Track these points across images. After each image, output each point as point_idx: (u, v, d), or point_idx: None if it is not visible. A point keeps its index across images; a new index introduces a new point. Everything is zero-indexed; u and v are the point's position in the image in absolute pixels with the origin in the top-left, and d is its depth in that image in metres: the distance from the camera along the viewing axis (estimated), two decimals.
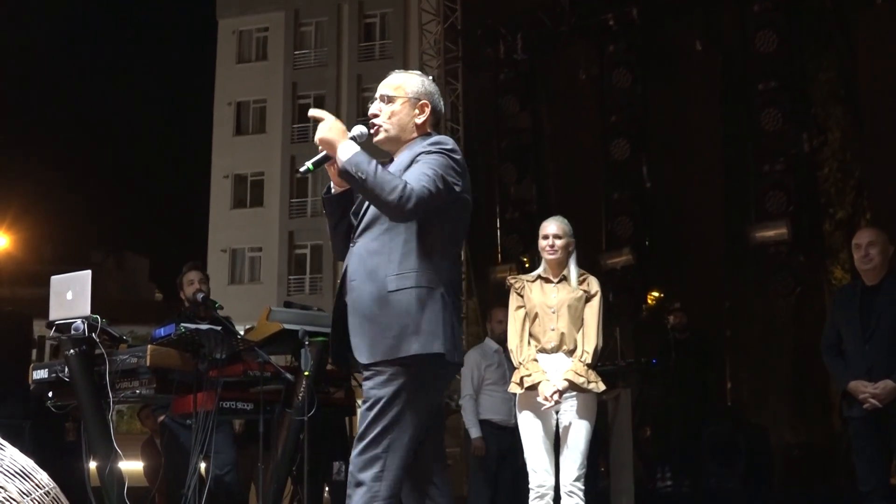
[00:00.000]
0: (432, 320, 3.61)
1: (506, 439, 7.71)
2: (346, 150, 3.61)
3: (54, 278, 6.19)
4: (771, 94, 11.22)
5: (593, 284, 5.48)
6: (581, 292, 5.43)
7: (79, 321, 5.88)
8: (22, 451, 2.28)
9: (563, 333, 5.37)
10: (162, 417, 7.51)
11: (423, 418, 3.67)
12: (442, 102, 3.99)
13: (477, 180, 15.19)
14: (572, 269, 5.51)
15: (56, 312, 6.06)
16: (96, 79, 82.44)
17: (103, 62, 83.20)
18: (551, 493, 5.37)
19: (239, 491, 7.57)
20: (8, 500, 2.05)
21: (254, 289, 32.10)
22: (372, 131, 3.84)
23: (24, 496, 2.09)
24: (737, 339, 12.00)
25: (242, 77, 33.73)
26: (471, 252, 15.06)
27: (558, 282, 5.48)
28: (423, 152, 3.71)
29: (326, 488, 8.16)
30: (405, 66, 30.86)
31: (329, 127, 3.68)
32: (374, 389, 3.63)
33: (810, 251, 11.29)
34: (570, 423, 5.34)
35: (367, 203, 3.77)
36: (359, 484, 3.58)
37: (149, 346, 5.91)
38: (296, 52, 33.70)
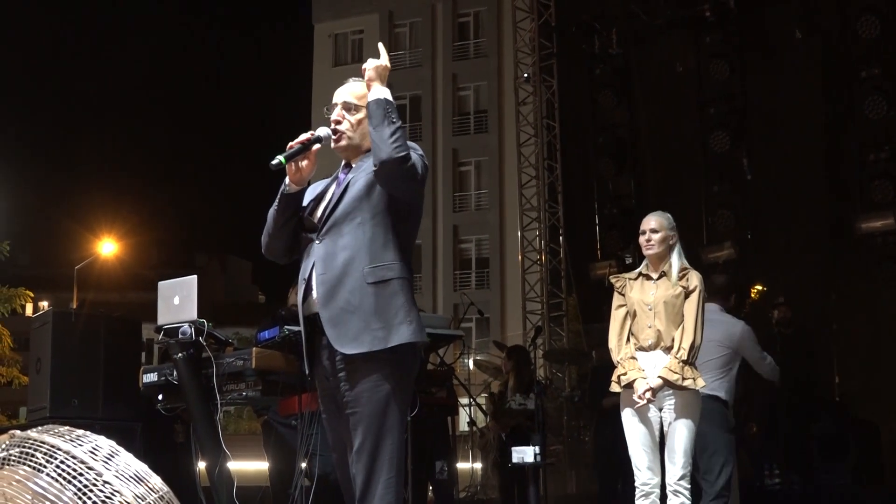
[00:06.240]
0: (411, 311, 3.74)
1: None
2: (386, 92, 3.83)
3: (162, 284, 6.32)
4: (874, 80, 10.97)
5: (693, 279, 5.38)
6: (680, 288, 5.35)
7: (186, 325, 6.00)
8: (134, 453, 2.35)
9: (659, 331, 5.31)
10: (265, 417, 7.63)
11: (408, 409, 3.81)
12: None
13: (574, 176, 15.20)
14: (674, 264, 5.41)
15: (164, 317, 6.19)
16: (196, 88, 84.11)
17: (203, 71, 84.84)
18: (657, 491, 5.31)
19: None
20: None
21: None
22: (334, 137, 3.91)
23: (140, 500, 2.15)
24: (844, 333, 11.73)
25: (339, 80, 33.33)
26: (570, 249, 15.00)
27: (658, 278, 5.42)
28: None
29: (430, 487, 8.21)
30: (500, 65, 30.91)
31: (385, 65, 3.94)
32: (361, 387, 3.67)
33: None
34: (672, 422, 5.28)
35: (326, 200, 3.87)
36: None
37: (254, 348, 5.99)
38: (391, 54, 33.84)
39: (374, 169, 3.74)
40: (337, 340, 3.70)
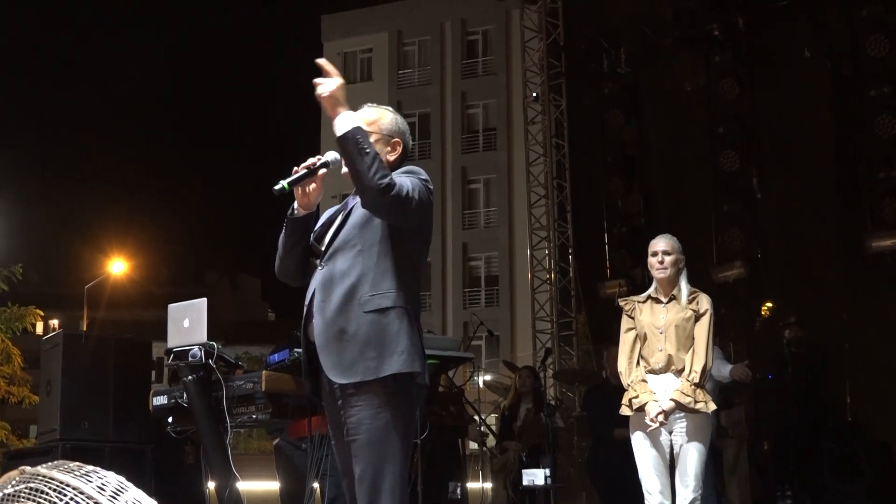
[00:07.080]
0: (409, 340, 3.64)
1: None
2: (352, 119, 3.62)
3: (171, 306, 6.34)
4: (883, 99, 10.95)
5: (703, 302, 5.39)
6: (690, 312, 5.35)
7: (196, 348, 6.02)
8: (144, 475, 2.35)
9: (670, 354, 5.30)
10: (276, 441, 7.63)
11: (411, 437, 3.73)
12: (410, 141, 3.99)
13: (583, 195, 15.20)
14: (683, 288, 5.42)
15: (174, 340, 6.21)
16: (205, 106, 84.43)
17: (212, 88, 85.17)
18: None
19: None
20: None
21: None
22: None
23: None
24: (856, 352, 11.68)
25: (348, 98, 34.07)
26: (579, 268, 14.98)
27: (668, 301, 5.41)
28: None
29: None
30: (509, 82, 30.96)
31: (339, 85, 3.65)
32: (359, 415, 3.62)
33: None
34: (683, 446, 5.26)
35: (333, 226, 3.81)
36: None
37: (264, 371, 6.01)
38: (399, 72, 34.01)
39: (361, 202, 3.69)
40: (331, 370, 3.66)
